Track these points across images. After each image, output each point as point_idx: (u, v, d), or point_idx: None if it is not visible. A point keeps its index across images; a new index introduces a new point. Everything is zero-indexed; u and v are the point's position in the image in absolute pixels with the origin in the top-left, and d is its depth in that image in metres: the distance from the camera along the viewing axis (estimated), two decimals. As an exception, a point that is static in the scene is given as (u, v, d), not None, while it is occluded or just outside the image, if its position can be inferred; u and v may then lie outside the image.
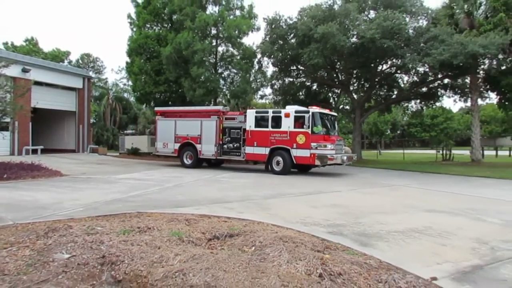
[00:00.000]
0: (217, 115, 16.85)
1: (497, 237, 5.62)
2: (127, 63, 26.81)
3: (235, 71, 23.56)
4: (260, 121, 15.73)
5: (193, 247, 4.64)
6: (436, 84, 24.86)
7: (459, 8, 21.92)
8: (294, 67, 25.03)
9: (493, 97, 24.87)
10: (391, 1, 20.00)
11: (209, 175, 14.42)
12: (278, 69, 25.10)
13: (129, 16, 25.97)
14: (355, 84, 27.60)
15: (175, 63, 21.99)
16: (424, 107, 29.19)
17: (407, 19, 19.92)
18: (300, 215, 6.91)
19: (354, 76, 26.17)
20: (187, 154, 17.60)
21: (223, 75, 23.92)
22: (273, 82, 26.22)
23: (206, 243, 4.88)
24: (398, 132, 65.45)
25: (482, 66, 22.23)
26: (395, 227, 6.07)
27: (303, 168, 16.11)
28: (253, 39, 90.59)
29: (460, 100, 25.52)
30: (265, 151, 15.41)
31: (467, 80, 23.43)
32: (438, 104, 28.88)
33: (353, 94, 26.75)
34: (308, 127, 14.43)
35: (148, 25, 25.64)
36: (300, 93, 27.02)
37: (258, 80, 24.67)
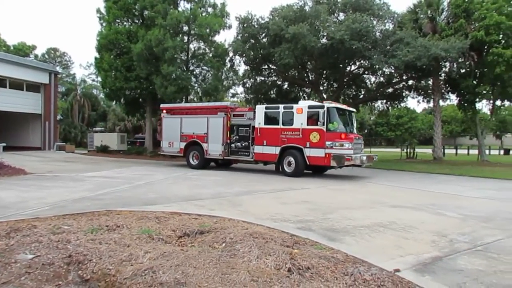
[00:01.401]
0: (224, 111, 15.71)
1: (455, 230, 5.94)
2: (96, 58, 26.09)
3: (206, 68, 23.45)
4: (270, 118, 14.44)
5: (163, 244, 4.63)
6: (401, 85, 25.73)
7: (423, 13, 22.82)
8: (266, 66, 25.16)
9: (453, 99, 26.10)
10: (360, 4, 20.49)
11: (180, 173, 14.32)
12: (250, 68, 25.16)
13: (98, 11, 25.21)
14: (325, 84, 28.09)
15: (146, 60, 21.63)
16: (390, 107, 30.13)
17: (375, 22, 20.48)
18: (270, 211, 7.02)
19: (324, 76, 26.64)
20: (193, 154, 16.49)
21: (194, 73, 23.74)
22: (245, 80, 26.27)
23: (176, 241, 4.89)
24: (366, 131, 67.07)
25: (444, 69, 23.28)
26: (361, 222, 6.29)
27: (317, 170, 14.83)
28: (225, 37, 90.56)
29: (423, 101, 26.67)
30: (276, 150, 14.13)
31: (430, 82, 24.39)
32: (403, 104, 29.89)
33: (323, 93, 27.19)
34: (323, 124, 13.04)
35: (119, 21, 24.99)
36: (272, 92, 27.21)
37: (230, 78, 24.68)
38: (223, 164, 17.28)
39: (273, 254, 4.13)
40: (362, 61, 22.86)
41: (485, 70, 21.00)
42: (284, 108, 14.24)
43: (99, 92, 47.85)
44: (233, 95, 28.61)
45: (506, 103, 26.55)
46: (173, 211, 6.57)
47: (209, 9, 23.67)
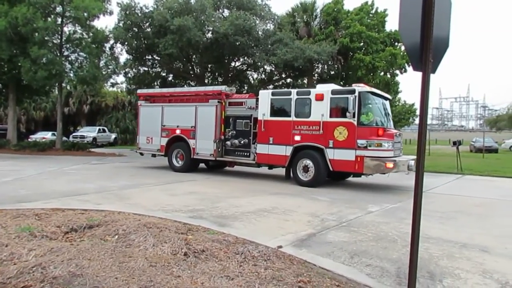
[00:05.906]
0: (217, 98, 12.50)
1: (325, 211, 6.94)
2: None
3: (84, 55, 21.56)
4: (278, 107, 11.15)
5: (49, 241, 4.40)
6: (280, 82, 27.73)
7: (299, 17, 24.99)
8: (150, 57, 24.43)
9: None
10: (243, 2, 21.38)
11: (55, 168, 13.10)
12: (133, 57, 24.10)
13: None
14: (210, 78, 28.58)
15: (9, 40, 18.91)
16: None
17: (257, 21, 21.66)
18: (160, 203, 7.10)
19: (209, 70, 27.08)
20: (177, 153, 13.31)
21: (70, 58, 21.63)
22: (126, 70, 25.04)
23: (63, 237, 4.68)
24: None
25: (317, 70, 25.87)
26: (247, 209, 6.86)
27: (337, 176, 11.37)
28: (106, 23, 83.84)
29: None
30: (286, 151, 10.77)
31: (305, 81, 26.85)
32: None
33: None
34: (353, 116, 9.62)
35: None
36: (155, 83, 26.55)
37: (110, 67, 23.18)
38: (214, 166, 14.29)
39: (168, 241, 4.32)
40: (245, 58, 23.93)
41: (350, 72, 24.05)
42: (298, 94, 10.91)
43: None
44: (113, 85, 27.02)
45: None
46: (55, 207, 6.17)
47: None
